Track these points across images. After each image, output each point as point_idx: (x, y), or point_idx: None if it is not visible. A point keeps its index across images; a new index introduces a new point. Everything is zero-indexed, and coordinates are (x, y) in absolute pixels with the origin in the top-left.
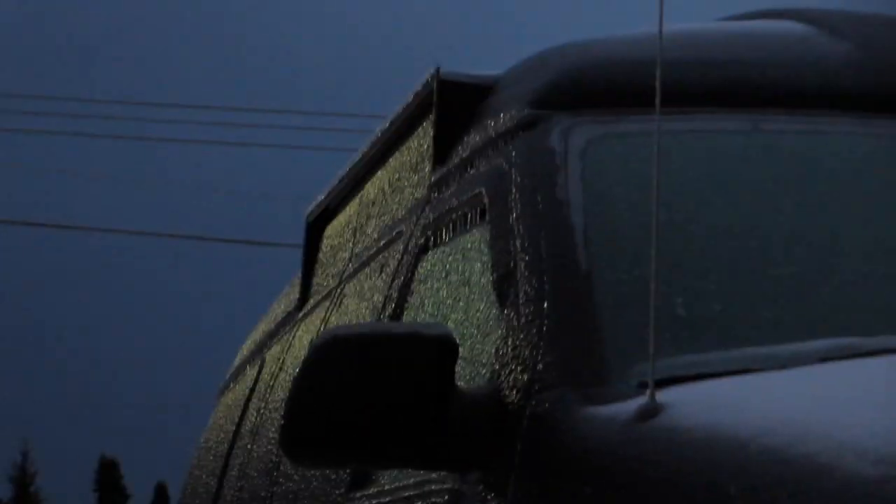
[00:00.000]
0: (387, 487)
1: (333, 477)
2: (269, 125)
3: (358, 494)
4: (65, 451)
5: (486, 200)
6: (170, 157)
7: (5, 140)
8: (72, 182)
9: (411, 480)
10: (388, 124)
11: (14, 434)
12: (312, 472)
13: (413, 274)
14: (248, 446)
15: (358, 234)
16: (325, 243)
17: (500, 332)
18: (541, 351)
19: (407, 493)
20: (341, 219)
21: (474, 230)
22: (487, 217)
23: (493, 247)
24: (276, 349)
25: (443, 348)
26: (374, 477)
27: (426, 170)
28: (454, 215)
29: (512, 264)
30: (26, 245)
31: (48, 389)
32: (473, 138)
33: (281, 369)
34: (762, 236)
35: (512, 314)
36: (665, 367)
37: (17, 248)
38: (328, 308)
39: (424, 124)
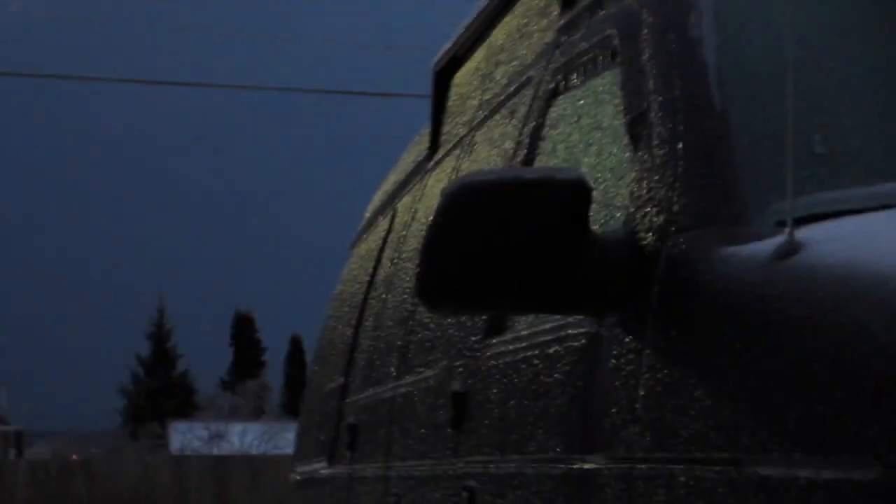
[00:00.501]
0: (523, 333)
1: (469, 324)
2: None
3: (494, 340)
4: (200, 307)
5: (616, 42)
6: (299, 12)
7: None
8: (203, 38)
9: (548, 325)
10: None
11: (151, 291)
12: (448, 319)
13: (544, 119)
14: (383, 296)
15: (486, 82)
16: (454, 92)
17: (634, 174)
18: (676, 192)
19: (544, 338)
20: (469, 67)
21: (605, 73)
22: (618, 59)
23: (625, 89)
24: (407, 199)
25: (577, 192)
26: (510, 323)
27: (554, 13)
28: (584, 58)
29: (645, 106)
30: (164, 102)
31: (184, 246)
32: None
33: (413, 219)
34: None
35: (646, 156)
36: (803, 204)
37: (156, 106)
38: (459, 156)
39: None
